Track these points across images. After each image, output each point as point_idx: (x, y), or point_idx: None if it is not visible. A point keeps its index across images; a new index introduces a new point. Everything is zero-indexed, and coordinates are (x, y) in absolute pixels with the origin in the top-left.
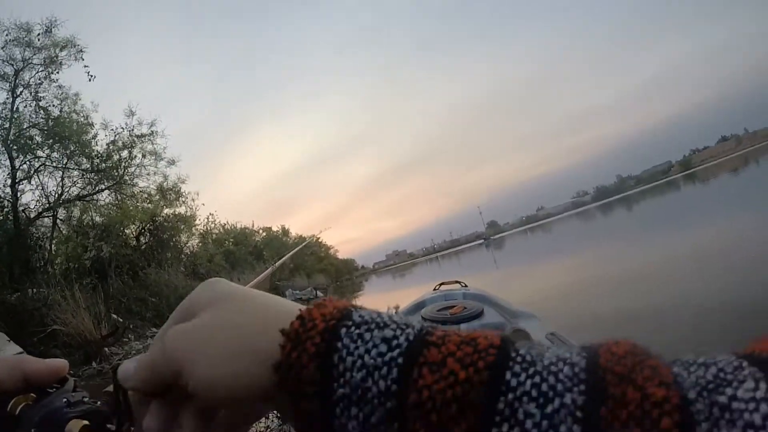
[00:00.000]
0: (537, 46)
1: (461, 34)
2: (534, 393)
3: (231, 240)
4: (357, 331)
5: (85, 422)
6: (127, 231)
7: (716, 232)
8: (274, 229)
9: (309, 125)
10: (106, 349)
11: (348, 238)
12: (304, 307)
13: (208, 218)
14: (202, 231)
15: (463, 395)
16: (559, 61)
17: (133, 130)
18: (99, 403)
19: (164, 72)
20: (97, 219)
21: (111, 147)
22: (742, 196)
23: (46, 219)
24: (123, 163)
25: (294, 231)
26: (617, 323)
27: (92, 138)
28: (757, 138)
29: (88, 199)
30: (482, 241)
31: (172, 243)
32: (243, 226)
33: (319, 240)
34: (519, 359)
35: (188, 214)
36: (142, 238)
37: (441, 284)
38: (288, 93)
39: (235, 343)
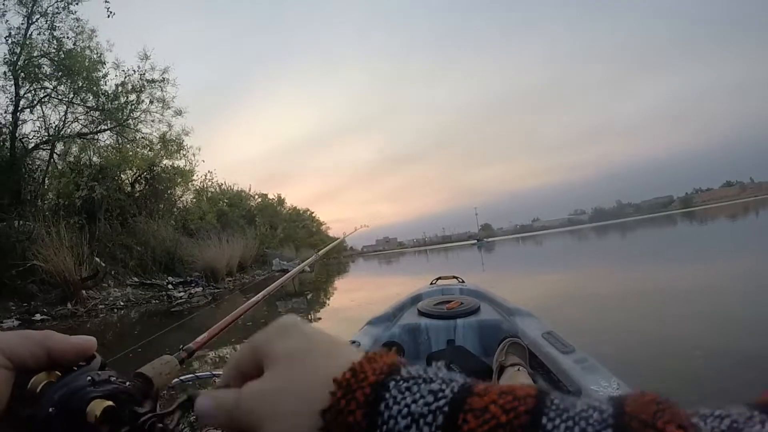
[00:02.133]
0: (558, 54)
1: (486, 31)
2: None
3: (225, 200)
4: (405, 384)
5: (110, 403)
6: (123, 176)
7: (701, 274)
8: (270, 196)
9: (322, 99)
10: (84, 291)
11: (341, 217)
12: (357, 360)
13: (206, 175)
14: (198, 187)
15: None
16: (579, 74)
17: (144, 74)
18: (128, 384)
19: (185, 22)
20: (95, 159)
21: (120, 88)
22: (734, 243)
23: (42, 152)
24: (129, 106)
25: (289, 202)
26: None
27: (102, 76)
28: (762, 189)
29: (89, 137)
30: (475, 241)
31: (166, 195)
32: (239, 189)
33: (313, 215)
34: (554, 406)
35: (187, 168)
36: (137, 186)
37: (438, 278)
38: (304, 63)
39: (302, 406)
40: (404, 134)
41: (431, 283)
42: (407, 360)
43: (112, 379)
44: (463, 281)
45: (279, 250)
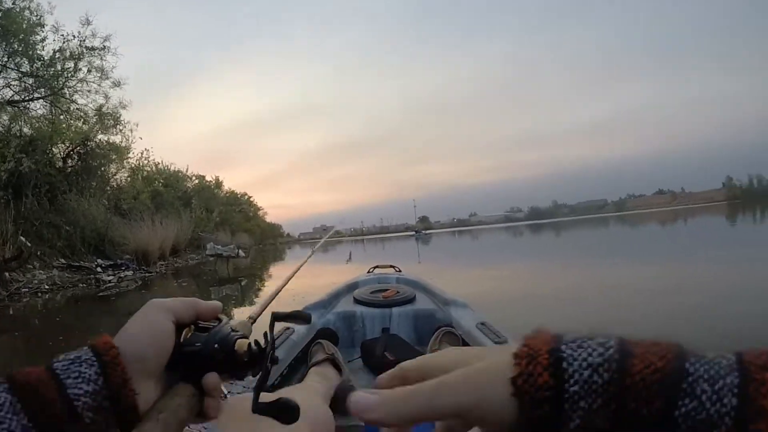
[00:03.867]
0: (513, 59)
1: (446, 30)
2: (705, 376)
3: (161, 180)
4: (573, 344)
5: (248, 341)
6: (54, 149)
7: (629, 274)
8: (208, 178)
9: (271, 83)
10: (7, 273)
11: (280, 203)
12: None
13: (142, 153)
14: (133, 165)
15: (662, 378)
16: (530, 80)
17: (84, 40)
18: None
19: None
20: (26, 130)
21: (57, 55)
22: (661, 246)
23: None
24: (66, 74)
25: (228, 185)
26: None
27: (40, 41)
28: (691, 199)
29: (20, 105)
30: (413, 233)
31: (99, 172)
32: (177, 169)
33: (251, 199)
34: (692, 354)
35: (123, 144)
36: (69, 161)
37: (375, 267)
38: (258, 45)
39: (495, 377)
40: (351, 125)
41: (368, 272)
42: (341, 348)
43: (239, 330)
44: (400, 270)
45: (214, 234)
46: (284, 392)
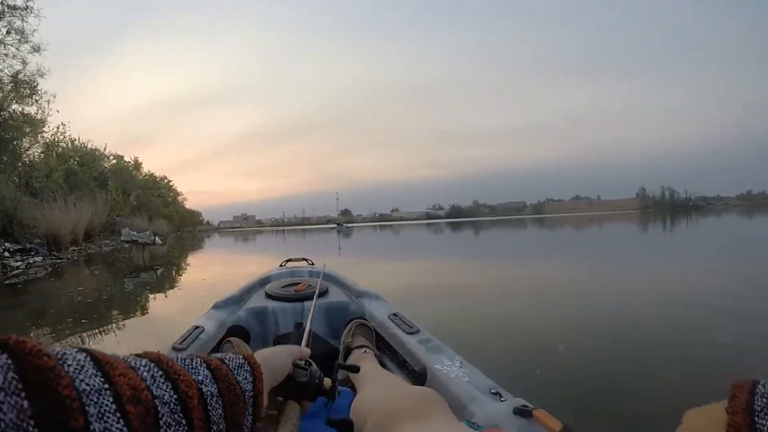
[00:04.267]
0: (453, 57)
1: (390, 23)
2: None
3: (77, 159)
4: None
5: (329, 380)
6: None
7: (544, 273)
8: (127, 159)
9: (200, 61)
10: None
11: (199, 189)
12: None
13: (58, 128)
14: (48, 140)
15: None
16: (460, 77)
17: None
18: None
19: None
20: None
21: None
22: (576, 248)
23: None
24: None
25: (147, 167)
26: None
27: None
28: (606, 206)
29: None
30: (335, 225)
31: (11, 146)
32: (94, 147)
33: (170, 183)
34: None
35: (38, 116)
36: None
37: (287, 261)
38: (189, 19)
39: None
40: (278, 111)
41: (280, 265)
42: (254, 345)
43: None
44: (312, 263)
45: (130, 219)
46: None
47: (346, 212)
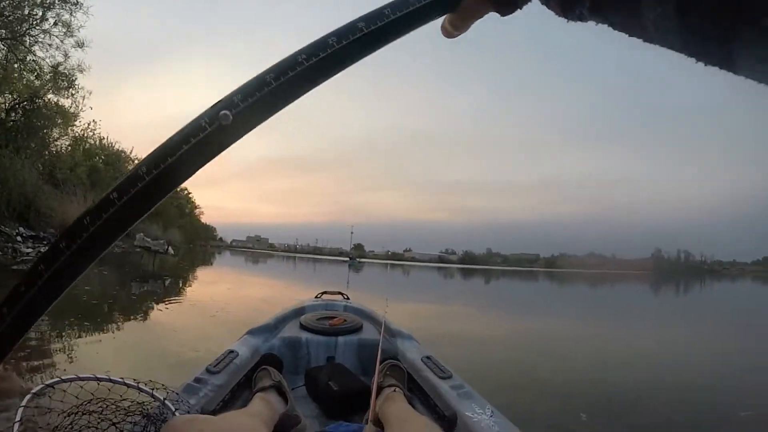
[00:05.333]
0: (481, 109)
1: (423, 70)
2: None
3: (103, 157)
4: None
5: None
6: None
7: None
8: None
9: (222, 80)
10: None
11: (216, 204)
12: None
13: (89, 124)
14: (77, 135)
15: None
16: (492, 131)
17: None
18: None
19: None
20: None
21: None
22: (588, 307)
23: None
24: (31, 21)
25: None
26: None
27: None
28: (620, 265)
29: None
30: (347, 259)
31: (42, 133)
32: (121, 149)
33: (189, 195)
34: None
35: (71, 110)
36: (12, 114)
37: (323, 293)
38: (235, 36)
39: None
40: (301, 142)
41: (316, 297)
42: (285, 375)
43: None
44: (348, 298)
45: (145, 225)
46: (229, 416)
47: (359, 246)
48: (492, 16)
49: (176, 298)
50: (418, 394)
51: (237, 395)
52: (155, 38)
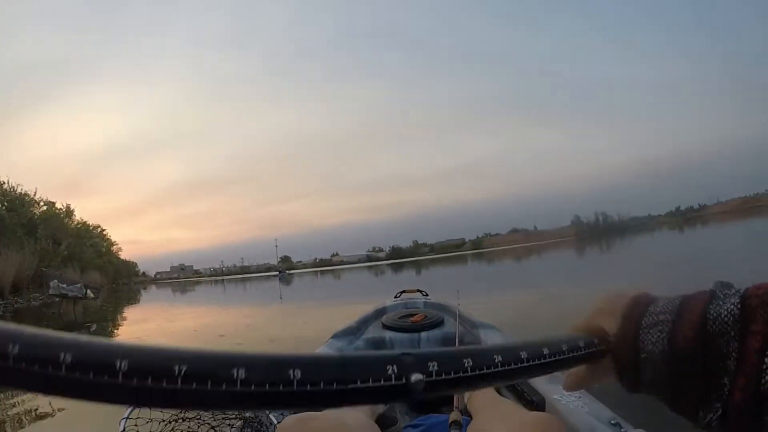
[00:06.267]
0: (382, 104)
1: (320, 74)
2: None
3: (5, 203)
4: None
5: None
6: None
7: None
8: (58, 206)
9: (129, 104)
10: None
11: (135, 238)
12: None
13: None
14: None
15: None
16: (396, 124)
17: None
18: None
19: None
20: None
21: None
22: (517, 278)
23: None
24: None
25: (80, 215)
26: None
27: None
28: (543, 236)
29: None
30: (276, 273)
31: None
32: (23, 192)
33: (104, 233)
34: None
35: None
36: None
37: (402, 292)
38: (132, 62)
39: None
40: (212, 160)
41: (395, 297)
42: None
43: None
44: (426, 294)
45: (60, 271)
46: (336, 411)
47: (285, 259)
48: None
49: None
50: None
51: None
52: (49, 64)
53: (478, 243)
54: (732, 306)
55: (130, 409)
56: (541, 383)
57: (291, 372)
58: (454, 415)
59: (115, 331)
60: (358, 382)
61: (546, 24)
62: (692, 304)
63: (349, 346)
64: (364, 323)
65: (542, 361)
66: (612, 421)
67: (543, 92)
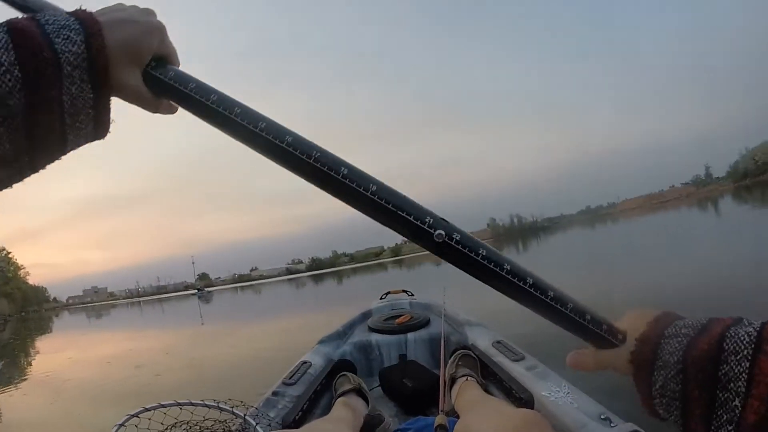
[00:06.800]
0: (303, 115)
1: (241, 82)
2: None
3: None
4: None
5: None
6: None
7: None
8: None
9: None
10: None
11: (43, 261)
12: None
13: None
14: None
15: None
16: (315, 136)
17: None
18: None
19: None
20: None
21: None
22: (435, 281)
23: None
24: None
25: None
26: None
27: None
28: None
29: None
30: (194, 291)
31: None
32: None
33: (9, 255)
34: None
35: None
36: None
37: (387, 293)
38: None
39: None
40: (120, 175)
41: (381, 298)
42: (360, 378)
43: None
44: (412, 294)
45: None
46: (313, 426)
47: (204, 276)
48: None
49: (15, 383)
50: (493, 380)
51: (315, 403)
52: None
53: (397, 250)
54: (752, 329)
55: (125, 417)
56: (528, 380)
57: (371, 185)
58: (440, 419)
59: (28, 367)
60: (405, 213)
61: (460, 37)
62: (716, 323)
63: (335, 351)
64: (350, 327)
65: (549, 304)
66: (602, 416)
67: (454, 100)
